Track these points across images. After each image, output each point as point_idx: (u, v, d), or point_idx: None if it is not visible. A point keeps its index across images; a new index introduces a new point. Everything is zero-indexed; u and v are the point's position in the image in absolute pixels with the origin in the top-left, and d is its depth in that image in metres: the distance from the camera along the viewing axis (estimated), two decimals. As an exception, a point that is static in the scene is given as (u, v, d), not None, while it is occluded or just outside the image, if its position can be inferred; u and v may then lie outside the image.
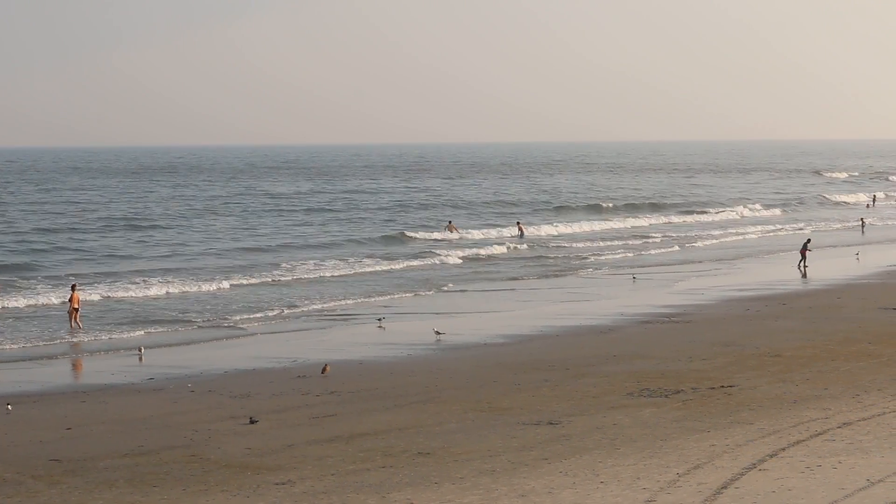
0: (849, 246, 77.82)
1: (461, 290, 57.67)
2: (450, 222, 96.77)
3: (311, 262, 69.46)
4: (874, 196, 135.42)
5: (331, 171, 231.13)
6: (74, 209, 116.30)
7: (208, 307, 51.12)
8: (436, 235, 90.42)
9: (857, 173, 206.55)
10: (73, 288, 47.87)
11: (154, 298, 54.67)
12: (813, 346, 36.64)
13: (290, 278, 62.12)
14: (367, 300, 53.59)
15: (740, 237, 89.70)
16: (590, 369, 33.73)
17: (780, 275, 60.30)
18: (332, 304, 52.16)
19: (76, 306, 46.48)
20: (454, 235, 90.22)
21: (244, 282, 59.96)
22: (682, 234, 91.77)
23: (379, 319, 45.94)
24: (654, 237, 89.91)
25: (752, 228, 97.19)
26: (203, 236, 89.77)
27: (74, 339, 43.64)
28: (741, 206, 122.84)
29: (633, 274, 62.26)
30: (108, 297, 54.48)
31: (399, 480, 22.10)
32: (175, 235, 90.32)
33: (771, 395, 29.13)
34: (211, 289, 57.31)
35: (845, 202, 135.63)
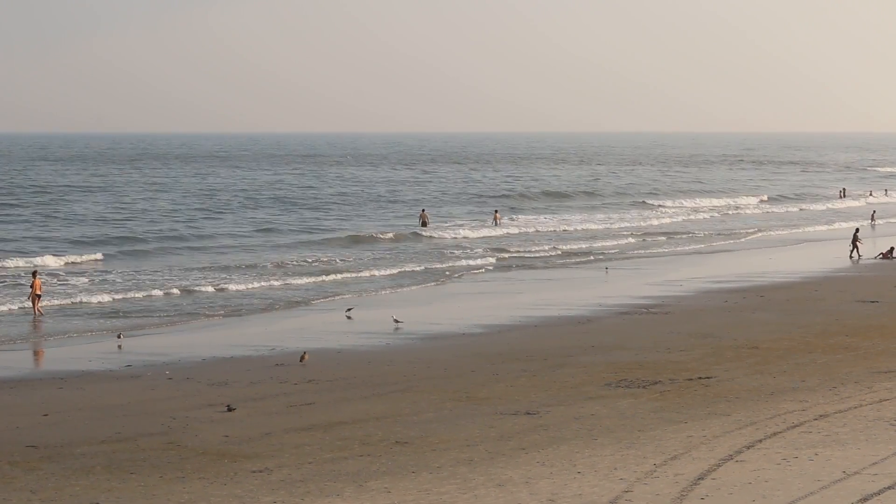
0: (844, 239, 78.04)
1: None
2: (423, 210, 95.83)
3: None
4: (844, 189, 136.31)
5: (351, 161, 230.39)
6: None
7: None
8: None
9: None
10: (34, 275, 47.66)
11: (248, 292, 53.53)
12: (790, 338, 36.75)
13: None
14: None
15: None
16: (568, 360, 33.77)
17: (759, 267, 60.43)
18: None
19: (38, 293, 46.30)
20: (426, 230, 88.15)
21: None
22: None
23: (348, 310, 45.83)
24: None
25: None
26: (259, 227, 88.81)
27: (46, 326, 43.50)
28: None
29: (606, 266, 62.59)
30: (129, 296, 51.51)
31: (377, 469, 22.10)
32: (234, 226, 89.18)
33: (748, 386, 29.20)
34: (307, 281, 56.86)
35: None
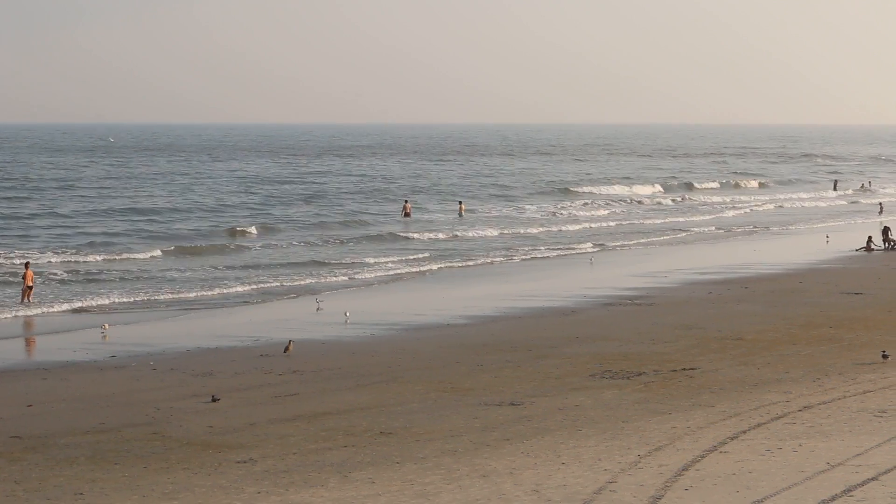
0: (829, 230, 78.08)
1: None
2: (406, 202, 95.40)
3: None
4: (836, 182, 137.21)
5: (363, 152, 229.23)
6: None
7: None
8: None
9: None
10: (26, 266, 47.70)
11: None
12: (774, 329, 36.82)
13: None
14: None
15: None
16: (552, 351, 33.79)
17: (743, 258, 60.51)
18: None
19: (30, 284, 46.26)
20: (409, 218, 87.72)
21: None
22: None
23: (318, 301, 45.66)
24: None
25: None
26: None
27: (32, 315, 43.43)
28: None
29: (590, 258, 62.80)
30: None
31: (361, 460, 22.10)
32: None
33: (732, 378, 29.26)
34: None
35: None
